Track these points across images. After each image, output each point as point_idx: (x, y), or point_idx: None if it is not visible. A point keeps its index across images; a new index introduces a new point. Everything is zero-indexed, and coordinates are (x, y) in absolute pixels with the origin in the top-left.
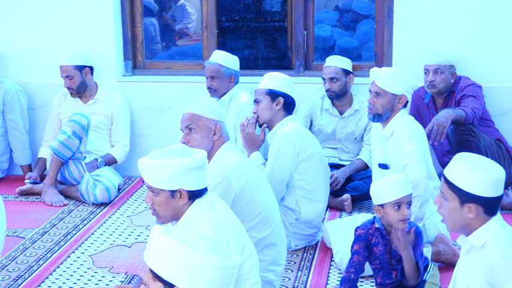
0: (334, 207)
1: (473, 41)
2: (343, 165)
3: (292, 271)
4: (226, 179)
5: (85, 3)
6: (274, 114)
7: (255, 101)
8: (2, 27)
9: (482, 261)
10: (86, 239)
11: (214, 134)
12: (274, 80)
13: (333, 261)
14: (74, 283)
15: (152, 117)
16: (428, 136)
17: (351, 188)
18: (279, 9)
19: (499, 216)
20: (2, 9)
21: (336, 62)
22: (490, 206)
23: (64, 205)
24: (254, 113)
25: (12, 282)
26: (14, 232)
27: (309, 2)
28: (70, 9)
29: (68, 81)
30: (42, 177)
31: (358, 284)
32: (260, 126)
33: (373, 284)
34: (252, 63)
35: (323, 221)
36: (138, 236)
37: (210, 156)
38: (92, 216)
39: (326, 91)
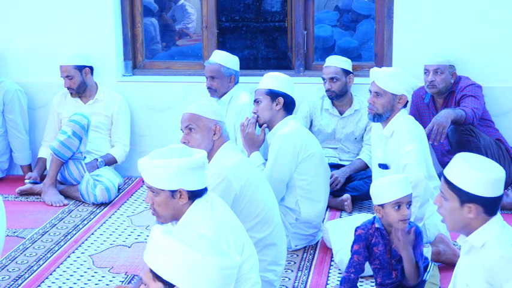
0: (334, 207)
1: (473, 41)
2: (343, 165)
3: (292, 271)
4: (226, 179)
5: (85, 3)
6: (274, 114)
7: (255, 101)
8: (2, 27)
9: (482, 261)
10: (86, 239)
11: (214, 134)
12: (274, 80)
13: (333, 261)
14: (74, 283)
15: (152, 117)
16: (428, 136)
17: (351, 188)
18: (279, 9)
19: (499, 216)
20: (2, 9)
21: (336, 62)
22: (490, 206)
23: (64, 205)
24: (254, 113)
25: (12, 282)
26: (14, 232)
27: (309, 2)
28: (70, 9)
29: (68, 81)
30: (42, 177)
31: (358, 284)
32: (260, 126)
33: (373, 284)
34: (252, 63)
35: (323, 221)
36: (138, 236)
37: (210, 156)
38: (92, 216)
39: (326, 91)
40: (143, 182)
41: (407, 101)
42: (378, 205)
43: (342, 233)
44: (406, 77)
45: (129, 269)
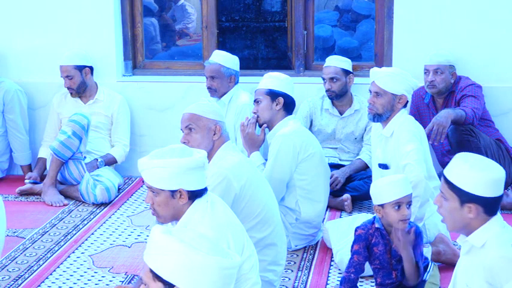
0: (334, 207)
1: (473, 41)
2: (343, 165)
3: (292, 271)
4: (226, 178)
5: (85, 3)
6: (274, 114)
7: (255, 101)
8: (2, 27)
9: (482, 261)
10: (86, 239)
11: (214, 134)
12: (274, 80)
13: (333, 261)
14: (74, 283)
15: (152, 117)
16: (428, 136)
17: (351, 188)
18: (279, 9)
19: (499, 216)
20: (2, 9)
21: (336, 62)
22: (490, 206)
23: (64, 205)
24: (254, 113)
25: (12, 282)
26: (14, 232)
27: (309, 2)
28: (70, 9)
29: (68, 81)
30: (42, 177)
31: (358, 284)
32: (260, 126)
33: (373, 284)
34: (252, 63)
35: (323, 221)
36: (138, 236)
37: (210, 156)
38: (92, 216)
39: (326, 91)
40: (143, 182)
41: (407, 101)
42: (378, 205)
43: (342, 233)
44: (406, 77)
45: (129, 269)
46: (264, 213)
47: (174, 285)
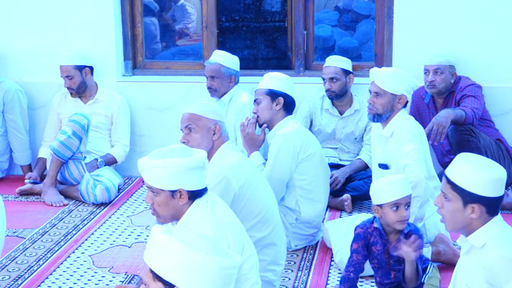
0: (334, 207)
1: (473, 41)
2: (343, 165)
3: (292, 271)
4: (225, 178)
5: (85, 3)
6: (274, 114)
7: (255, 101)
8: (2, 27)
9: (482, 262)
10: (86, 239)
11: (213, 134)
12: (274, 80)
13: (333, 261)
14: (74, 283)
15: (152, 117)
16: (428, 136)
17: (351, 188)
18: (279, 9)
19: (499, 217)
20: (2, 9)
21: (336, 62)
22: (492, 206)
23: (64, 205)
24: (254, 113)
25: (12, 282)
26: (14, 232)
27: (309, 2)
28: (70, 9)
29: (68, 81)
30: (42, 177)
31: (358, 284)
32: (260, 126)
33: (373, 283)
34: (252, 63)
35: (323, 221)
36: (138, 236)
37: (209, 156)
38: (92, 216)
39: (326, 91)
40: (143, 182)
41: (407, 101)
42: (377, 205)
43: (342, 233)
44: (406, 77)
45: (129, 269)
46: (263, 213)
47: (174, 285)
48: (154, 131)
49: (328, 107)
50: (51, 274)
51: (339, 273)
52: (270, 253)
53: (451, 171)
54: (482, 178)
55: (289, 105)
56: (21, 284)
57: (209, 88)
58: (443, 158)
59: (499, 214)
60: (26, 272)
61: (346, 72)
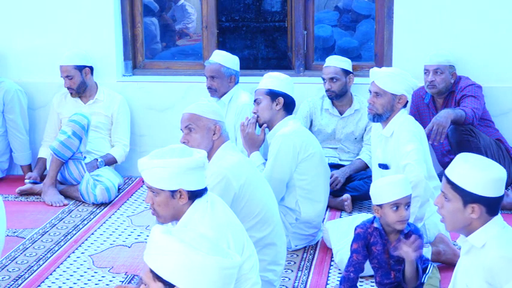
0: (334, 207)
1: (473, 41)
2: (343, 165)
3: (292, 271)
4: (225, 178)
5: (85, 3)
6: (274, 114)
7: (255, 101)
8: (2, 27)
9: (482, 262)
10: (86, 239)
11: (213, 134)
12: (274, 80)
13: (333, 261)
14: (74, 283)
15: (152, 117)
16: (428, 136)
17: (351, 188)
18: (279, 9)
19: (499, 217)
20: (2, 9)
21: (336, 62)
22: (492, 206)
23: (64, 205)
24: (254, 113)
25: (12, 282)
26: (14, 232)
27: (309, 2)
28: (70, 9)
29: (68, 81)
30: (42, 177)
31: (358, 284)
32: (260, 126)
33: (373, 283)
34: (252, 63)
35: (323, 221)
36: (138, 236)
37: (209, 156)
38: (92, 216)
39: (326, 91)
40: (143, 182)
41: (407, 101)
42: (377, 205)
43: (342, 233)
44: (406, 77)
45: (129, 269)
46: (263, 213)
47: (174, 285)
48: (154, 131)
49: (328, 107)
50: (51, 274)
51: (339, 273)
52: (270, 253)
53: (451, 171)
54: (482, 178)
55: (289, 105)
56: (21, 284)
57: (209, 88)
58: (443, 158)
59: (499, 214)
60: (26, 272)
61: (346, 72)
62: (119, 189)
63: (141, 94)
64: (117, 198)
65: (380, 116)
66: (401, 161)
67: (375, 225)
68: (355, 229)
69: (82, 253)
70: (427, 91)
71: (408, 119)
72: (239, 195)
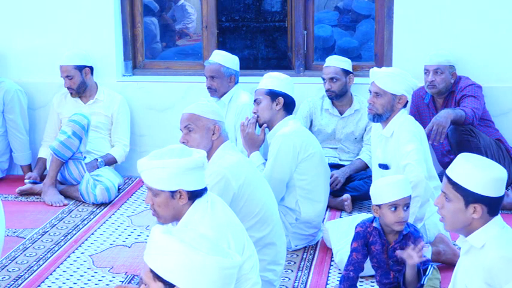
0: (334, 207)
1: (473, 41)
2: (343, 165)
3: (292, 271)
4: (224, 178)
5: (85, 3)
6: (274, 114)
7: (255, 101)
8: (2, 27)
9: (481, 262)
10: (86, 239)
11: (213, 134)
12: (274, 80)
13: (333, 261)
14: (74, 283)
15: (152, 117)
16: (428, 136)
17: (351, 188)
18: (279, 9)
19: (499, 217)
20: (2, 9)
21: (336, 62)
22: (493, 206)
23: (64, 205)
24: (254, 113)
25: (12, 282)
26: (14, 232)
27: (309, 2)
28: (70, 9)
29: (68, 81)
30: (42, 177)
31: (358, 283)
32: (260, 126)
33: (373, 283)
34: (252, 63)
35: (323, 221)
36: (138, 236)
37: (209, 156)
38: (92, 216)
39: (326, 91)
40: (143, 182)
41: (407, 101)
42: (376, 205)
43: (342, 233)
44: (406, 77)
45: (129, 269)
46: (262, 213)
47: (174, 285)
48: (154, 131)
49: (328, 107)
50: (51, 274)
51: (339, 273)
52: (269, 253)
53: (452, 172)
54: (483, 178)
55: (289, 105)
56: (21, 284)
57: (209, 88)
58: (443, 158)
59: (499, 214)
60: (26, 272)
61: (346, 72)
62: (119, 189)
63: (141, 94)
64: (117, 198)
65: (380, 116)
66: (402, 161)
67: (374, 225)
68: (355, 228)
69: (82, 253)
70: (427, 91)
71: (408, 119)
72: (238, 195)
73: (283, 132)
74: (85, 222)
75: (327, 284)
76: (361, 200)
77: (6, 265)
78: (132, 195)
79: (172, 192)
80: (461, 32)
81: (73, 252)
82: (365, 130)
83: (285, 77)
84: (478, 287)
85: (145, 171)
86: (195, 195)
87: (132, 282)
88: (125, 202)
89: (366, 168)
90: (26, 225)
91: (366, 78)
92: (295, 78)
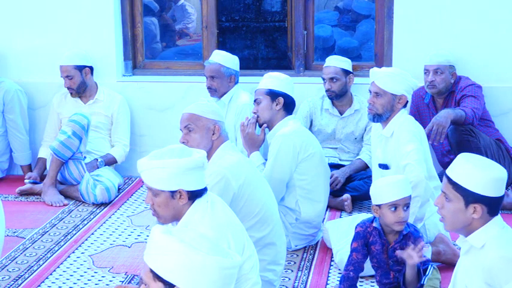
0: (334, 207)
1: (473, 41)
2: (343, 165)
3: (292, 271)
4: (224, 178)
5: (85, 3)
6: (274, 114)
7: (255, 101)
8: (2, 27)
9: (481, 262)
10: (86, 239)
11: (213, 134)
12: (274, 80)
13: (333, 261)
14: (74, 283)
15: (152, 117)
16: (428, 136)
17: (351, 188)
18: (279, 9)
19: (499, 217)
20: (2, 9)
21: (336, 62)
22: (493, 206)
23: (64, 205)
24: (254, 113)
25: (12, 282)
26: (14, 232)
27: (309, 2)
28: (70, 9)
29: (68, 81)
30: (42, 177)
31: (358, 283)
32: (260, 126)
33: (373, 283)
34: (252, 63)
35: (323, 221)
36: (138, 236)
37: (209, 155)
38: (92, 216)
39: (326, 91)
40: (143, 182)
41: (407, 101)
42: (376, 205)
43: (342, 233)
44: (405, 77)
45: (129, 269)
46: (262, 213)
47: (174, 285)
48: (154, 131)
49: (328, 107)
50: (51, 274)
51: (339, 273)
52: (269, 253)
53: (452, 172)
54: (483, 178)
55: (289, 105)
56: (21, 284)
57: (209, 88)
58: (443, 158)
59: (499, 214)
60: (26, 272)
61: (346, 72)
62: (119, 189)
63: (141, 94)
64: (117, 198)
65: (380, 116)
66: (402, 161)
67: (374, 225)
68: (355, 228)
69: (82, 253)
70: (427, 91)
71: (408, 119)
72: (238, 195)
73: (283, 132)
74: (85, 222)
75: (327, 284)
76: (361, 200)
77: (6, 265)
78: (132, 195)
79: (172, 192)
80: (461, 32)
81: (73, 252)
82: (365, 130)
83: (285, 77)
84: (478, 287)
85: (145, 171)
86: (195, 195)
87: (132, 282)
88: (125, 202)
89: (366, 168)
90: (26, 225)
91: (366, 78)
92: (295, 78)
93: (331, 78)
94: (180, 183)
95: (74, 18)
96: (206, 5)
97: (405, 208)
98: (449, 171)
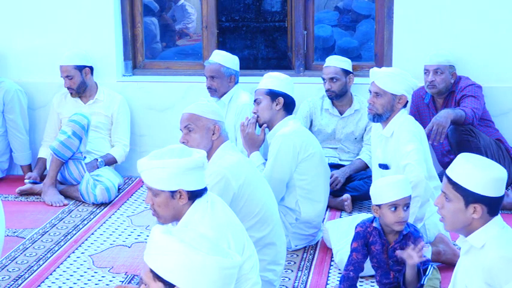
0: (334, 207)
1: (473, 41)
2: (343, 165)
3: (292, 271)
4: (224, 178)
5: (85, 3)
6: (274, 114)
7: (255, 101)
8: (2, 27)
9: (481, 262)
10: (86, 239)
11: (213, 134)
12: (274, 80)
13: (333, 261)
14: (74, 283)
15: (152, 117)
16: (428, 136)
17: (351, 188)
18: (279, 9)
19: (499, 217)
20: (2, 9)
21: (336, 62)
22: (493, 206)
23: (64, 205)
24: (254, 113)
25: (12, 282)
26: (14, 232)
27: (309, 2)
28: (70, 9)
29: (68, 81)
30: (42, 177)
31: (358, 283)
32: (260, 126)
33: (373, 283)
34: (252, 63)
35: (323, 221)
36: (138, 236)
37: (209, 155)
38: (92, 216)
39: (326, 91)
40: (143, 182)
41: (407, 101)
42: (376, 205)
43: (342, 233)
44: (405, 77)
45: (129, 269)
46: (262, 213)
47: (174, 285)
48: (154, 131)
49: (328, 107)
50: (51, 274)
51: (339, 273)
52: (269, 253)
53: (452, 172)
54: (483, 178)
55: (289, 105)
56: (21, 284)
57: (209, 88)
58: (443, 158)
59: (499, 214)
60: (26, 272)
61: (346, 72)
62: (119, 189)
63: (141, 94)
64: (117, 198)
65: (380, 116)
66: (402, 161)
67: (374, 225)
68: (355, 228)
69: (82, 253)
70: (427, 91)
71: (408, 119)
72: (238, 195)
73: (283, 132)
74: (85, 222)
75: (327, 284)
76: (361, 200)
77: (6, 265)
78: (132, 195)
79: (172, 192)
80: (461, 32)
81: (73, 252)
82: (365, 130)
83: (285, 77)
84: (478, 287)
85: (145, 171)
86: (195, 195)
87: (132, 282)
88: (125, 202)
89: (366, 168)
90: (26, 225)
91: (366, 78)
92: (295, 78)
93: (331, 78)
94: (180, 183)
95: (74, 18)
96: (206, 5)
97: (405, 208)
98: (449, 171)
